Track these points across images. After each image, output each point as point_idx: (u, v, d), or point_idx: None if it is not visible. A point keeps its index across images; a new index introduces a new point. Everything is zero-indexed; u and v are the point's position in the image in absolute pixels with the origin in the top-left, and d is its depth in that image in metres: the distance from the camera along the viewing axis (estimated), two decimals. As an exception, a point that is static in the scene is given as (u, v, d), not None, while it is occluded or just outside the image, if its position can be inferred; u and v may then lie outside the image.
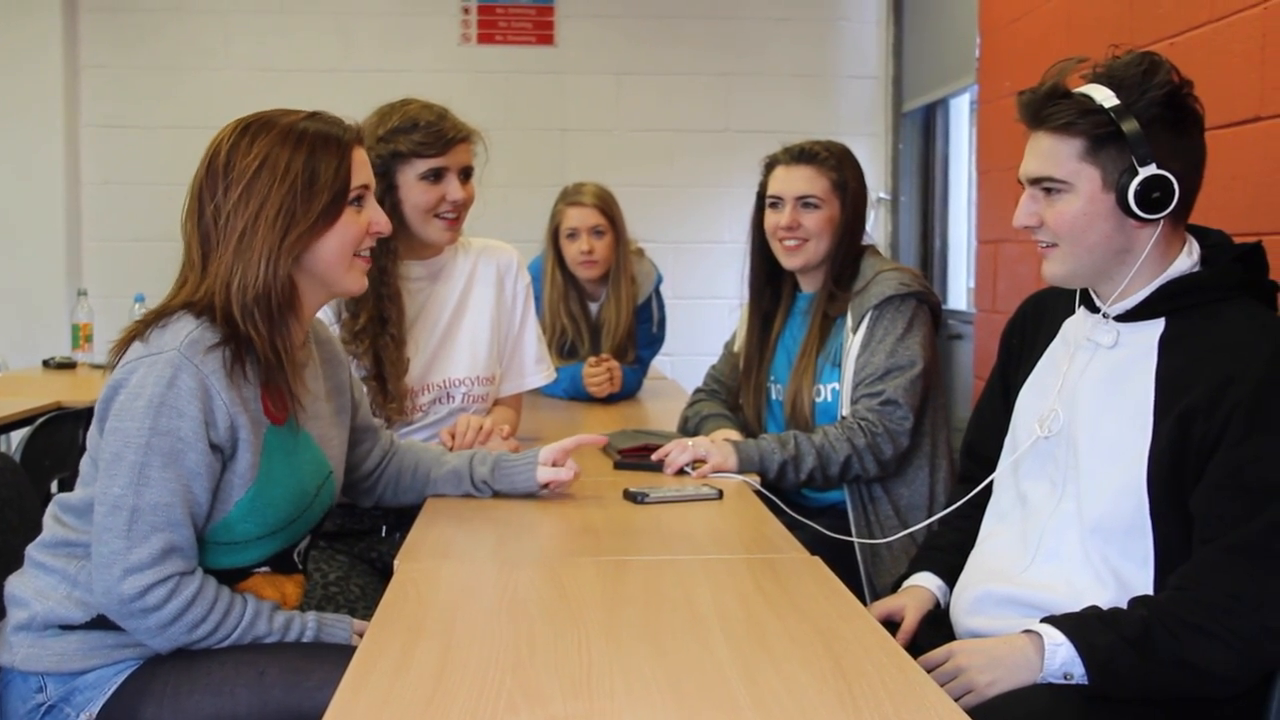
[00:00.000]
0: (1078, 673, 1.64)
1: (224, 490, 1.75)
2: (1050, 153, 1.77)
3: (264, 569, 1.85)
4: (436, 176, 2.56)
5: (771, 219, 2.72)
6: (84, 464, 1.79)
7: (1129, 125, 1.72)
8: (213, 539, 1.77)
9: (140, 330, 1.75)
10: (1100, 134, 1.73)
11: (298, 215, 1.77)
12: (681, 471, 2.43)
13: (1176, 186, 1.72)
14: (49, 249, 5.88)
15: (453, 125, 2.57)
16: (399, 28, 6.01)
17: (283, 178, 1.76)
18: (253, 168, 1.75)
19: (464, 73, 6.00)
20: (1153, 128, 1.72)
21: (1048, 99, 1.77)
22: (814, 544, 1.92)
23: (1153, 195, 1.72)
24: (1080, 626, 1.66)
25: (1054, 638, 1.65)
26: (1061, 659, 1.64)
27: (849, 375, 2.61)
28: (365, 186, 1.86)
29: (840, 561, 2.07)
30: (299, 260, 1.80)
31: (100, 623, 1.75)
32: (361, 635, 1.62)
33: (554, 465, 2.18)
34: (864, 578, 2.57)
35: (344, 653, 1.59)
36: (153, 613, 1.68)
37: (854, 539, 2.56)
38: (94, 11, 5.94)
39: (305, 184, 1.77)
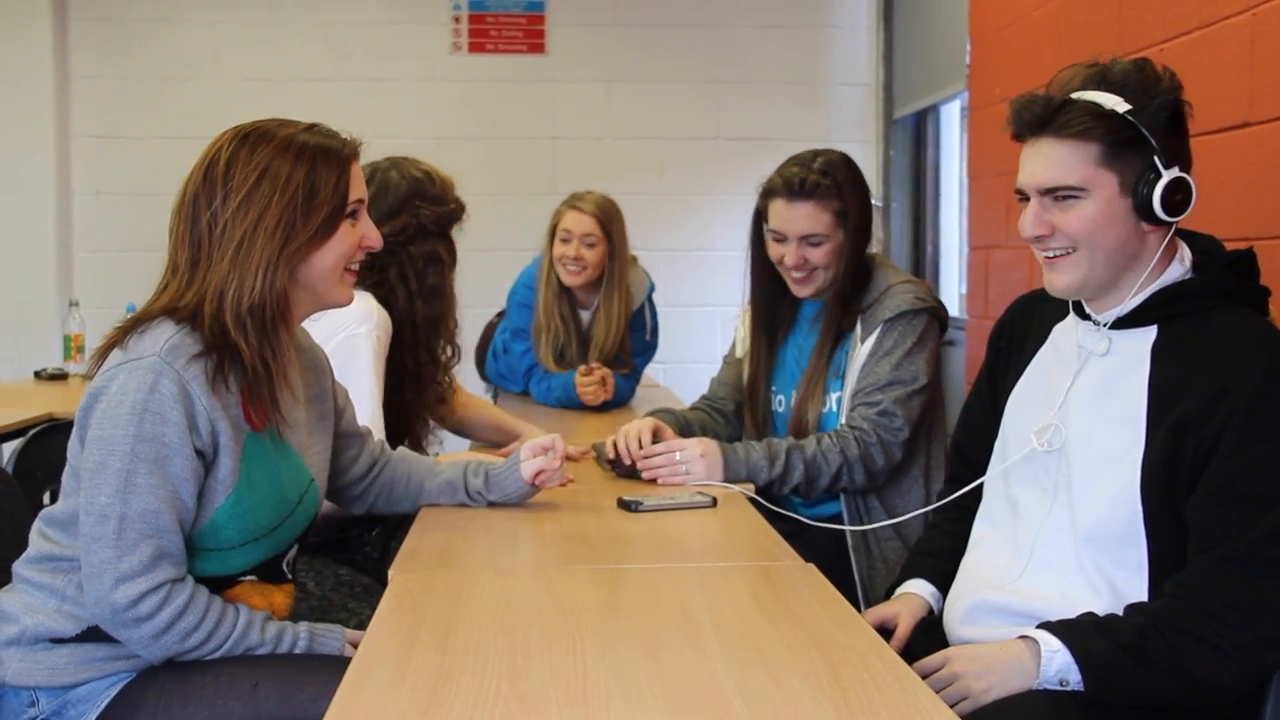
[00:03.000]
0: (1074, 679, 1.64)
1: (206, 496, 1.74)
2: (1061, 160, 1.75)
3: (251, 577, 1.84)
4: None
5: (776, 250, 2.66)
6: (65, 476, 1.77)
7: (1148, 129, 1.72)
8: (199, 544, 1.76)
9: (119, 337, 1.74)
10: (1117, 139, 1.72)
11: (297, 227, 1.77)
12: None
13: (1194, 189, 1.73)
14: (40, 260, 5.87)
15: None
16: (389, 37, 6.00)
17: (283, 189, 1.76)
18: (253, 178, 1.75)
19: (455, 81, 6.00)
20: (1164, 131, 1.73)
21: (1060, 107, 1.75)
22: (809, 552, 1.92)
23: (1176, 198, 1.72)
24: (1076, 633, 1.66)
25: (1050, 644, 1.65)
26: (1058, 665, 1.64)
27: (851, 384, 2.61)
28: (360, 201, 1.87)
29: (835, 570, 2.06)
30: (294, 272, 1.80)
31: (91, 635, 1.74)
32: (355, 646, 1.62)
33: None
34: (859, 586, 2.56)
35: (338, 664, 1.58)
36: (146, 621, 1.67)
37: (845, 527, 2.54)
38: (84, 22, 5.93)
39: (306, 196, 1.77)
